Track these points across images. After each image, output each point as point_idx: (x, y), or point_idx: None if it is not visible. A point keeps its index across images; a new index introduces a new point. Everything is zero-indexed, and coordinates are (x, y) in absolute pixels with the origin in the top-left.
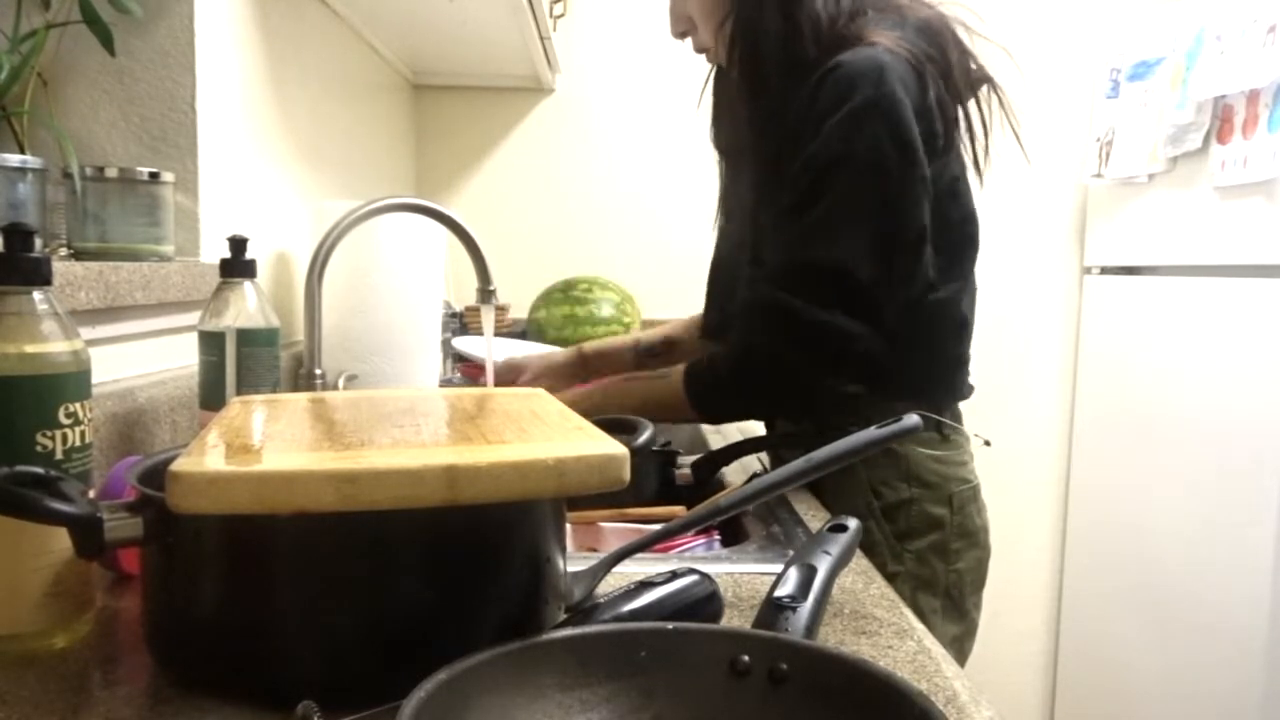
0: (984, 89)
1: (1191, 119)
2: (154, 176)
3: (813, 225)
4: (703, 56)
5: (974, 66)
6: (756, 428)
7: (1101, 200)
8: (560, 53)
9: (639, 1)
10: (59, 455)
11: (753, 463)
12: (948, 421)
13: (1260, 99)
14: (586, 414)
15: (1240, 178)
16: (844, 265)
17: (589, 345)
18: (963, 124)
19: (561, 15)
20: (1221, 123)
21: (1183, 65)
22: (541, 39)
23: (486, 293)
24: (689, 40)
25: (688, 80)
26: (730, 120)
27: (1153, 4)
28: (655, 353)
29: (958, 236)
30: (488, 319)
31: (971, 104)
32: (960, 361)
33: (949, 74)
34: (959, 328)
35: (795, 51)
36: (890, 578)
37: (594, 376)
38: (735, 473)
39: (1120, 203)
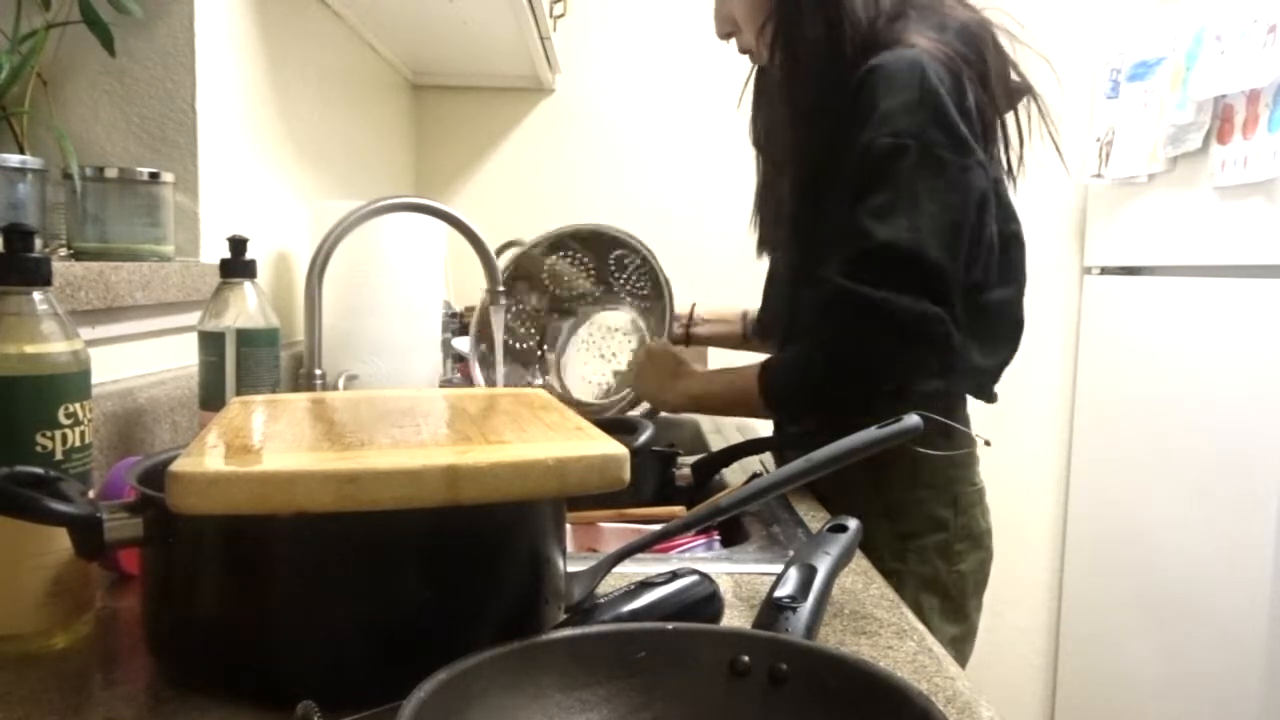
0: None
1: (1191, 119)
2: (154, 176)
3: (872, 215)
4: (722, 59)
5: (1014, 76)
6: (757, 428)
7: (1101, 200)
8: (560, 53)
9: (639, 1)
10: (59, 455)
11: (753, 463)
12: (956, 426)
13: (1260, 99)
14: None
15: (1240, 178)
16: (908, 246)
17: (703, 308)
18: (999, 131)
19: (561, 15)
20: (1221, 123)
21: (1183, 65)
22: (541, 39)
23: (495, 293)
24: (733, 41)
25: (688, 81)
26: (770, 119)
27: (1153, 4)
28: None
29: (1006, 237)
30: (496, 320)
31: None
32: (1007, 364)
33: (986, 78)
34: (1014, 328)
35: (835, 52)
36: (891, 575)
37: (698, 341)
38: (735, 473)
39: (1120, 203)
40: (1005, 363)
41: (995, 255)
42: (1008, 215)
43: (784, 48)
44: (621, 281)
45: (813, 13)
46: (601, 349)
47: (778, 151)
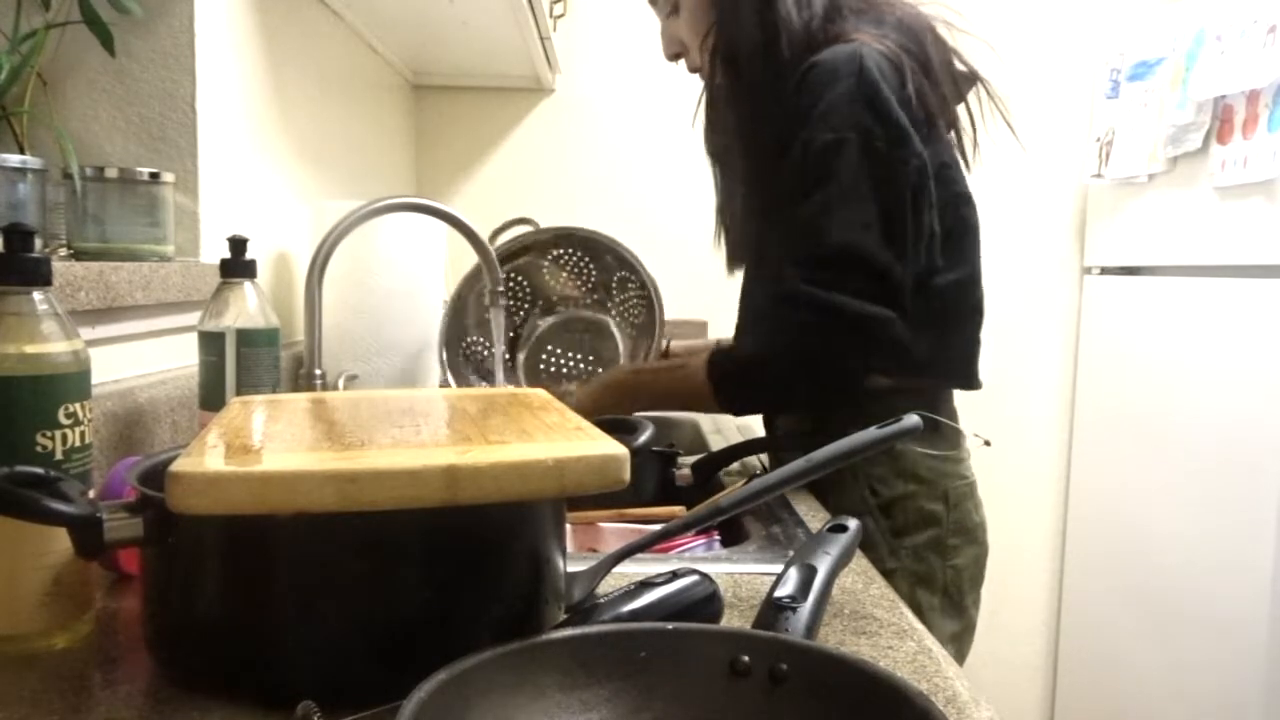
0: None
1: (1191, 119)
2: (154, 176)
3: (817, 213)
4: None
5: (959, 63)
6: (757, 428)
7: (1101, 200)
8: (560, 53)
9: (639, 1)
10: (59, 455)
11: (753, 463)
12: (944, 420)
13: (1260, 99)
14: (604, 410)
15: (1240, 178)
16: (858, 249)
17: (678, 344)
18: (949, 118)
19: (561, 15)
20: (1221, 123)
21: (1183, 65)
22: (541, 39)
23: (495, 294)
24: (682, 62)
25: (687, 81)
26: (721, 129)
27: (1153, 4)
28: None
29: (952, 220)
30: (497, 321)
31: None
32: (975, 348)
33: (928, 65)
34: (972, 312)
35: (772, 55)
36: (888, 574)
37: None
38: (735, 473)
39: (1120, 203)
40: (971, 346)
41: (938, 241)
42: (960, 199)
43: (724, 58)
44: (618, 301)
45: (749, 22)
46: (571, 355)
47: (729, 160)
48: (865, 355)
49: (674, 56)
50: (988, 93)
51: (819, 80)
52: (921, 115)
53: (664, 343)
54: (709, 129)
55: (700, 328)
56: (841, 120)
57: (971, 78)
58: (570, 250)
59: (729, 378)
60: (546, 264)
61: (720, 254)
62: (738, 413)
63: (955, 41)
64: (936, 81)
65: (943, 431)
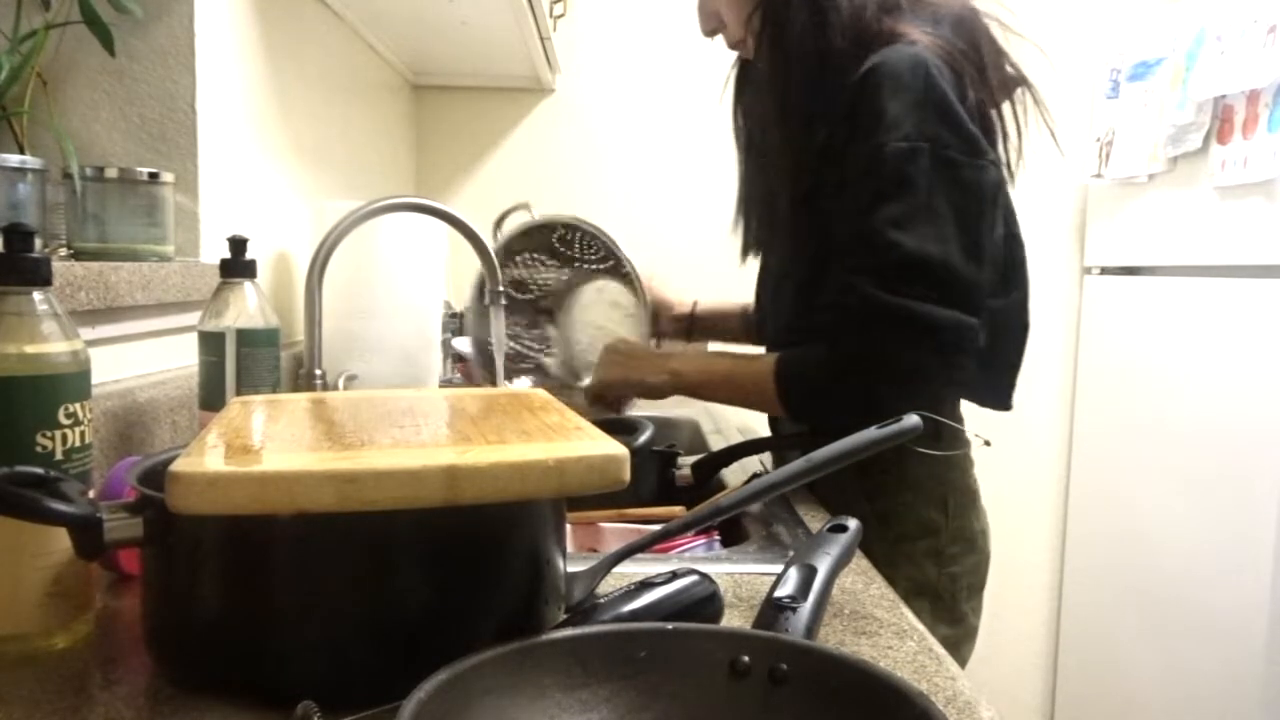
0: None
1: (1191, 119)
2: (154, 176)
3: (896, 222)
4: (722, 59)
5: (1009, 67)
6: (757, 428)
7: (1101, 200)
8: (560, 53)
9: (639, 1)
10: (59, 455)
11: (753, 463)
12: (947, 422)
13: (1260, 99)
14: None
15: (1240, 178)
16: (945, 260)
17: (704, 304)
18: (997, 126)
19: (561, 15)
20: (1221, 123)
21: (1183, 65)
22: (541, 39)
23: (496, 294)
24: (719, 38)
25: (687, 81)
26: (756, 115)
27: (1153, 4)
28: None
29: (1008, 239)
30: (497, 320)
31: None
32: (1017, 369)
33: (984, 72)
34: (1022, 332)
35: (823, 42)
36: (885, 580)
37: (700, 337)
38: (735, 473)
39: (1120, 203)
40: (1015, 368)
41: (1001, 258)
42: (1011, 217)
43: (771, 38)
44: (579, 255)
45: (798, 3)
46: (598, 322)
47: (768, 149)
48: (953, 363)
49: (711, 32)
50: (1033, 98)
51: (885, 85)
52: (982, 126)
53: (692, 303)
54: (738, 111)
55: None
56: (913, 128)
57: (1019, 81)
58: (520, 257)
59: (802, 384)
60: (510, 284)
61: (736, 241)
62: (808, 421)
63: (1007, 43)
64: (989, 88)
65: (946, 435)
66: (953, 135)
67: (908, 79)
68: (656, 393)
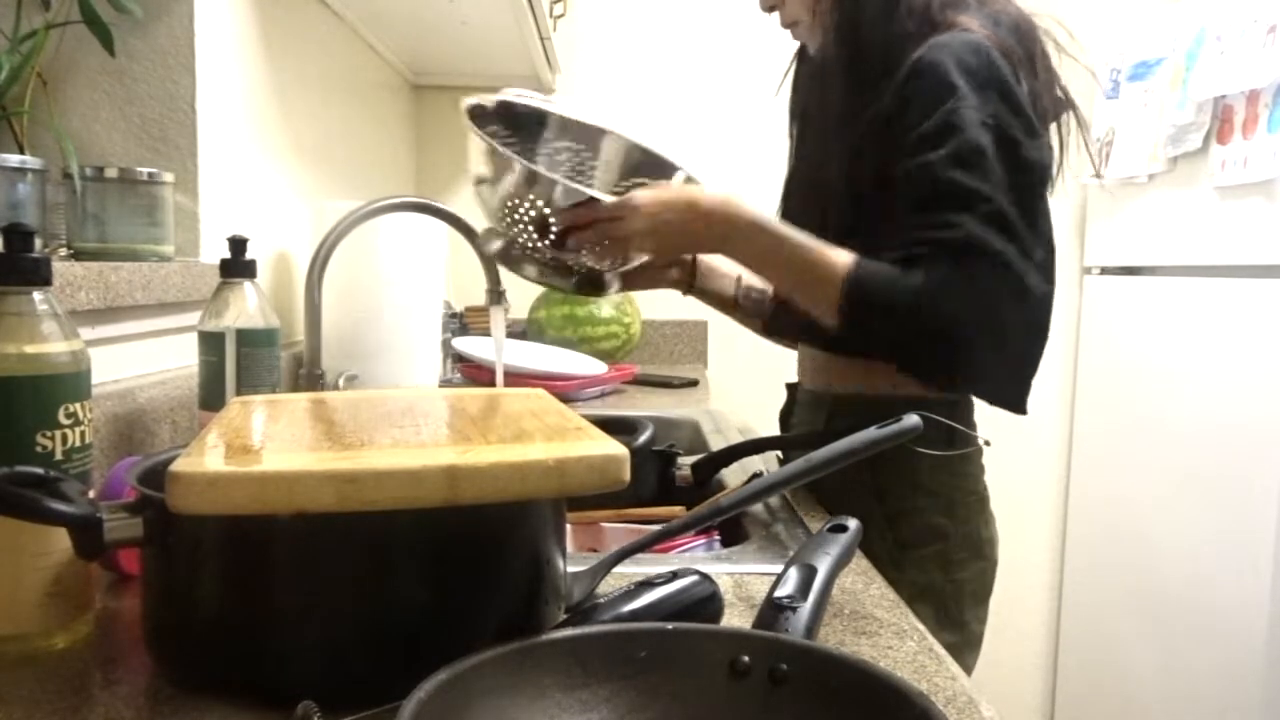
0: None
1: (1191, 119)
2: (154, 176)
3: (982, 180)
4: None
5: (1058, 89)
6: (756, 428)
7: (1101, 200)
8: (560, 53)
9: (639, 1)
10: (59, 455)
11: (753, 463)
12: (959, 427)
13: (1260, 99)
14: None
15: (1240, 178)
16: (1014, 219)
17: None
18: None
19: (561, 15)
20: (1221, 123)
21: (1183, 65)
22: (541, 39)
23: (496, 293)
24: (776, 14)
25: (687, 81)
26: (816, 99)
27: (1153, 4)
28: (753, 296)
29: (1049, 234)
30: (497, 319)
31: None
32: (1035, 370)
33: (1034, 78)
34: (1043, 332)
35: (894, 24)
36: (889, 584)
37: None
38: (735, 473)
39: (1120, 203)
40: (1035, 368)
41: (1050, 245)
42: (1047, 213)
43: (841, 23)
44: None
45: None
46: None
47: (825, 134)
48: (1030, 329)
49: (770, 8)
50: (1078, 121)
51: (946, 63)
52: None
53: (691, 257)
54: (798, 92)
55: (700, 327)
56: (979, 103)
57: (1066, 104)
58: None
59: (875, 294)
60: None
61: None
62: (852, 332)
63: (1060, 64)
64: (1037, 96)
65: (956, 443)
66: (1013, 115)
67: (971, 60)
68: (707, 240)
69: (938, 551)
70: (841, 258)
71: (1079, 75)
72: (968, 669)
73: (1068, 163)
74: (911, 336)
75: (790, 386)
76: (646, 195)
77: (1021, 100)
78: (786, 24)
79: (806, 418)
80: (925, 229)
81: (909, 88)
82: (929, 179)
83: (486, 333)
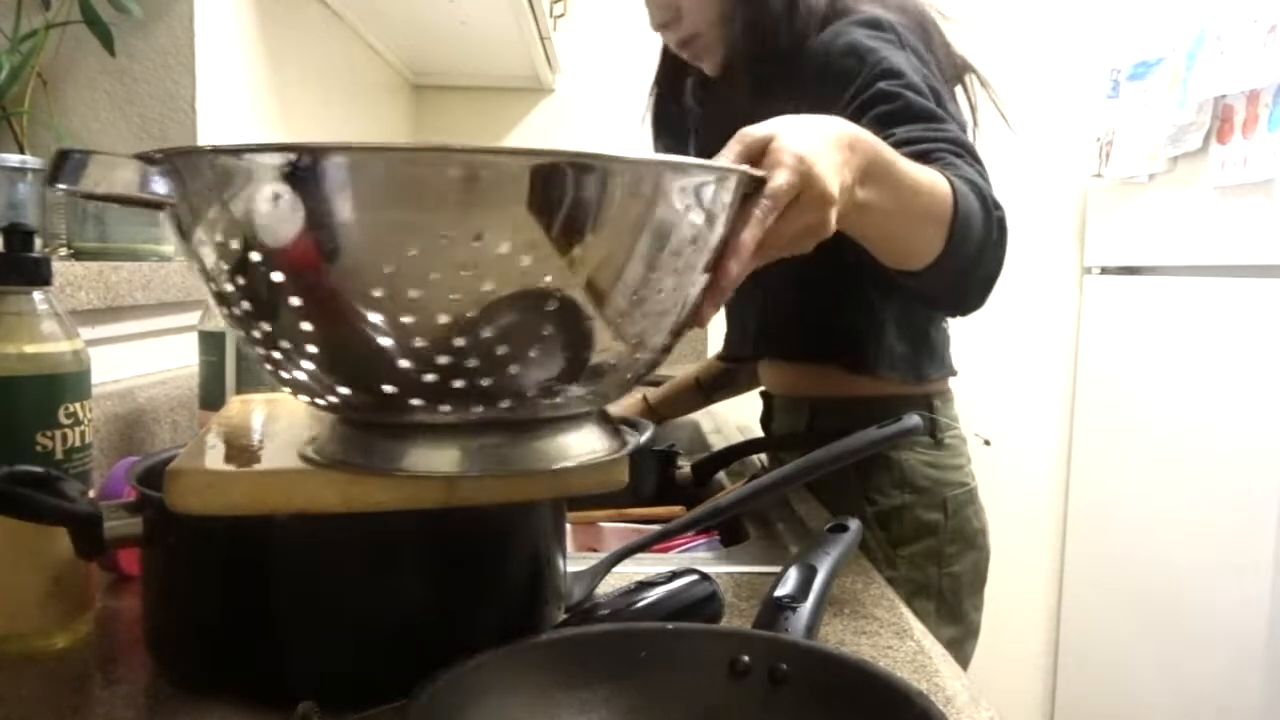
0: (969, 78)
1: (1191, 119)
2: None
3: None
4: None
5: (955, 53)
6: (756, 428)
7: (1101, 200)
8: (560, 53)
9: (639, 1)
10: (59, 455)
11: (753, 463)
12: (943, 419)
13: (1260, 99)
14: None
15: (1240, 178)
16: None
17: (653, 394)
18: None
19: (561, 15)
20: (1221, 123)
21: (1183, 65)
22: (541, 39)
23: None
24: (667, 33)
25: None
26: (722, 119)
27: (1153, 4)
28: (719, 385)
29: None
30: None
31: (959, 93)
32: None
33: (931, 45)
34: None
35: (796, 23)
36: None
37: (665, 419)
38: (735, 473)
39: (1120, 203)
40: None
41: None
42: None
43: (745, 25)
44: None
45: None
46: None
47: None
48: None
49: (662, 25)
50: (979, 81)
51: (854, 38)
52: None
53: (641, 397)
54: (663, 123)
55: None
56: (905, 59)
57: (965, 66)
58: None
59: (977, 210)
60: None
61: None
62: (956, 260)
63: (950, 35)
64: (940, 65)
65: (939, 437)
66: (928, 70)
67: (876, 30)
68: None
69: (929, 547)
70: (944, 183)
71: (1079, 75)
72: (969, 658)
73: (979, 122)
74: (988, 234)
75: (764, 394)
76: (796, 140)
77: (933, 67)
78: (682, 40)
79: (787, 422)
80: (924, 133)
81: (833, 68)
82: (897, 101)
83: None
